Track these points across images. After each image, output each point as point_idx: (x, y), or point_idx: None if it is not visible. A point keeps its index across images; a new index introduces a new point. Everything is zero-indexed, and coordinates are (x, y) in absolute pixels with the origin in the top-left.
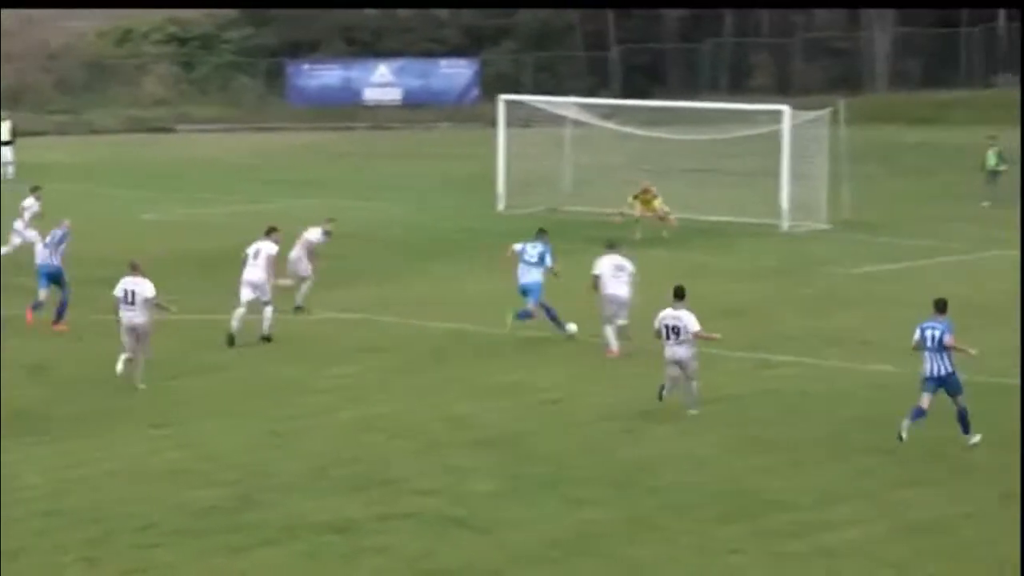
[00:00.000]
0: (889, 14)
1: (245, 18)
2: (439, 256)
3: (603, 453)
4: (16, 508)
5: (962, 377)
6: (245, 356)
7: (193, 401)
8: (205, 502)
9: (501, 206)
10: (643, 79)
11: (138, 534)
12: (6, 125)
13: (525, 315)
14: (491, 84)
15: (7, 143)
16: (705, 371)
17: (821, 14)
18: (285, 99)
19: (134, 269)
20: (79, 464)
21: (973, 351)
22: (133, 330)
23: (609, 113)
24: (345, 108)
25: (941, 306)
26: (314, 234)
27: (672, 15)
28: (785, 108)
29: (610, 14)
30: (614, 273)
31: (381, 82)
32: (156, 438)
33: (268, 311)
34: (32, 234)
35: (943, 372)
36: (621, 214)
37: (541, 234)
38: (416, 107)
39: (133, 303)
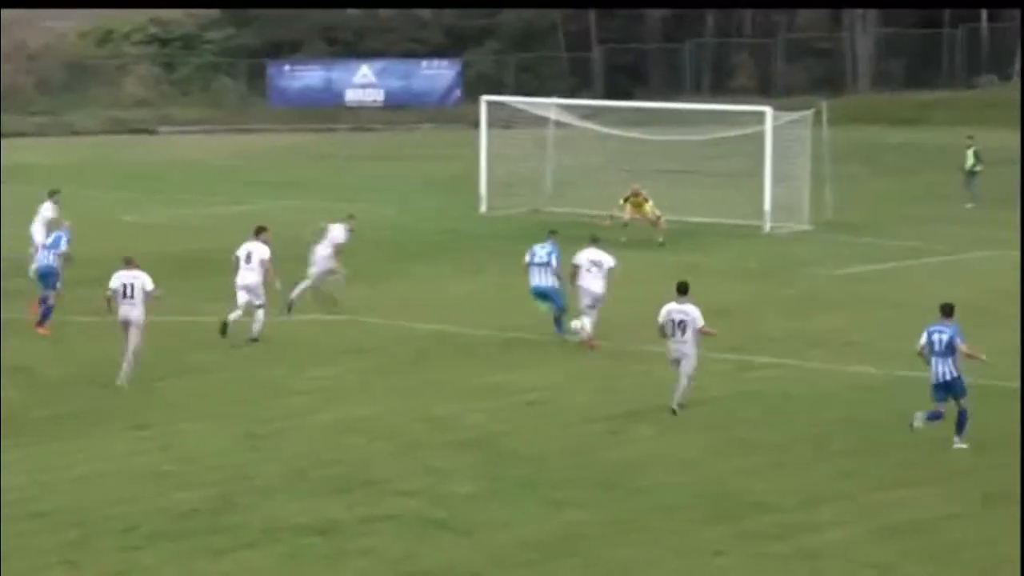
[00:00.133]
0: (872, 15)
1: (227, 18)
2: (421, 257)
3: (586, 454)
4: None
5: (967, 380)
6: (228, 357)
7: (175, 403)
8: (187, 504)
9: (483, 207)
10: (625, 79)
11: (120, 536)
12: None
13: (559, 316)
14: (473, 85)
15: None
16: None
17: (803, 14)
18: (267, 100)
19: (128, 263)
20: (61, 466)
21: (983, 356)
22: (127, 323)
23: (591, 114)
24: (327, 109)
25: (948, 310)
26: (339, 232)
27: (654, 15)
28: (767, 109)
29: (592, 14)
30: (589, 267)
31: (363, 83)
32: (138, 440)
33: (260, 314)
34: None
35: (949, 377)
36: (611, 217)
37: (552, 235)
38: (398, 108)
39: (132, 296)
